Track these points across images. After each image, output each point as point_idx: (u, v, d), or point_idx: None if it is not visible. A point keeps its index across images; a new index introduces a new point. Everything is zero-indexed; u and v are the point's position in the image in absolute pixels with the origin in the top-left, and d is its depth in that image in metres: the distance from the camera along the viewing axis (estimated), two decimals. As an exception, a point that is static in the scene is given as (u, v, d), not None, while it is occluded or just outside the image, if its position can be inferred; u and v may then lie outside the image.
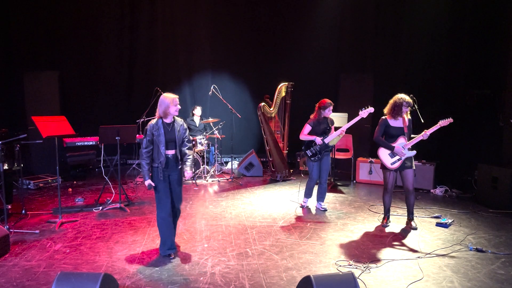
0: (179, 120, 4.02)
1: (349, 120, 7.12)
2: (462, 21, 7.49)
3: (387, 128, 4.67)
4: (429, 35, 7.81)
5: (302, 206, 5.64)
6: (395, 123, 4.64)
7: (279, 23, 8.94)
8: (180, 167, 4.01)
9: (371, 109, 5.10)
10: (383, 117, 4.71)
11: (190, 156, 4.06)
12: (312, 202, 5.74)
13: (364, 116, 5.15)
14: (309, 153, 5.37)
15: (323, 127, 5.33)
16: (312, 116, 5.43)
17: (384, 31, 8.31)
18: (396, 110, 4.58)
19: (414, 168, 4.71)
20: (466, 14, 7.43)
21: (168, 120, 3.90)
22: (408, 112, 4.67)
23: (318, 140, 5.26)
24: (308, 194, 5.62)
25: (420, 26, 7.85)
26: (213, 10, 8.90)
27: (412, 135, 4.70)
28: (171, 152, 3.90)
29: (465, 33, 7.46)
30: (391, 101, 4.65)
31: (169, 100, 3.83)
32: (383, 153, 4.70)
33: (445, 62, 7.73)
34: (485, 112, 6.92)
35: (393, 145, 4.60)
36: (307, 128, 5.37)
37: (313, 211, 5.51)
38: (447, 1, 7.64)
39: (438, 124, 4.51)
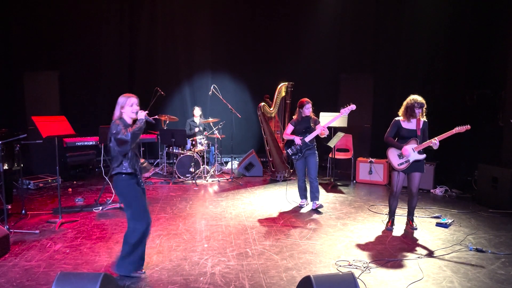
0: None
1: (348, 120, 7.16)
2: (462, 21, 7.49)
3: (399, 129, 4.62)
4: (429, 35, 7.81)
5: (300, 206, 5.68)
6: (408, 125, 4.58)
7: (279, 23, 8.94)
8: None
9: (352, 107, 5.22)
10: (396, 118, 4.65)
11: None
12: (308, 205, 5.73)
13: (345, 114, 5.34)
14: (290, 151, 5.54)
15: (305, 126, 5.49)
16: (294, 117, 5.64)
17: (384, 31, 8.31)
18: (409, 112, 4.52)
19: (424, 172, 4.67)
20: (466, 14, 7.43)
21: (129, 121, 3.54)
22: (424, 114, 4.56)
23: (297, 139, 5.42)
24: (302, 195, 5.73)
25: (420, 26, 7.85)
26: (213, 10, 8.90)
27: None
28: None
29: (465, 33, 7.46)
30: (404, 103, 4.58)
31: (122, 100, 3.54)
32: (392, 153, 4.67)
33: (445, 62, 7.73)
34: (485, 112, 6.92)
35: (403, 147, 4.56)
36: (289, 127, 5.60)
37: (312, 211, 5.50)
38: (447, 1, 7.64)
39: (453, 130, 4.34)
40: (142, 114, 3.48)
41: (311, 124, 5.48)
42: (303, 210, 5.53)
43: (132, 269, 3.47)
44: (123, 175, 3.41)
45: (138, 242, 3.43)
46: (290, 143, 5.55)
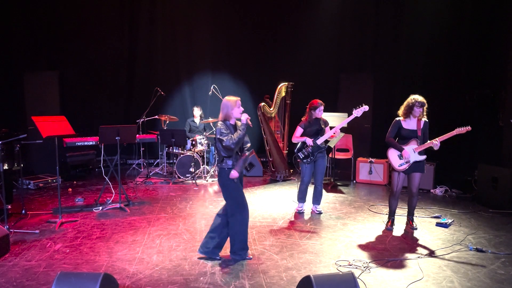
0: (239, 124, 3.93)
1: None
2: (462, 21, 7.49)
3: (400, 129, 4.60)
4: (429, 35, 7.81)
5: (298, 212, 5.46)
6: (408, 125, 4.56)
7: (279, 23, 8.94)
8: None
9: (365, 108, 4.99)
10: (397, 118, 4.63)
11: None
12: (308, 205, 5.64)
13: (359, 115, 5.04)
14: (301, 155, 5.24)
15: (315, 128, 5.22)
16: (303, 118, 5.35)
17: (384, 31, 8.31)
18: (408, 110, 4.51)
19: (424, 172, 4.65)
20: (466, 14, 7.44)
21: (232, 122, 3.88)
22: (425, 114, 4.53)
23: (309, 141, 5.13)
24: (301, 199, 5.46)
25: (420, 26, 7.85)
26: (213, 10, 8.90)
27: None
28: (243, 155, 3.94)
29: (465, 33, 7.47)
30: (405, 102, 4.57)
31: (231, 102, 3.82)
32: (392, 154, 4.65)
33: (445, 62, 7.73)
34: (485, 112, 6.92)
35: (403, 147, 4.55)
36: (299, 130, 5.28)
37: (312, 212, 5.49)
38: (447, 1, 7.65)
39: (454, 131, 4.33)
40: (245, 118, 3.79)
41: (322, 126, 5.26)
42: (306, 207, 5.51)
43: (240, 254, 3.86)
44: (226, 169, 3.79)
45: (241, 228, 3.83)
46: (300, 146, 5.25)
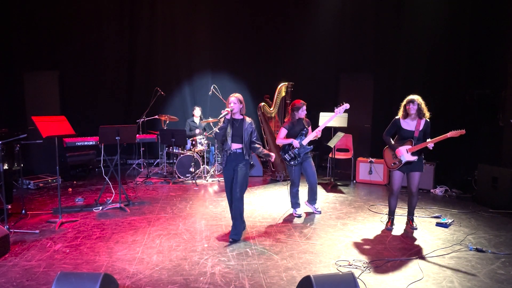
0: (248, 120, 4.40)
1: (348, 120, 7.15)
2: (462, 21, 7.48)
3: (398, 129, 4.60)
4: (429, 35, 7.81)
5: (298, 216, 5.33)
6: (406, 125, 4.54)
7: (279, 23, 8.94)
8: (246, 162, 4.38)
9: (346, 106, 5.03)
10: (396, 117, 4.63)
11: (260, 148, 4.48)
12: (305, 206, 5.59)
13: (340, 114, 5.12)
14: (287, 157, 5.14)
15: (299, 129, 5.15)
16: (286, 119, 5.31)
17: (384, 31, 8.31)
18: (403, 110, 4.52)
19: (423, 171, 4.64)
20: (466, 14, 7.43)
21: (235, 116, 4.35)
22: (425, 113, 4.49)
23: (296, 142, 5.04)
24: (295, 204, 5.33)
25: (420, 26, 7.84)
26: (213, 10, 8.90)
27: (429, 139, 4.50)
28: (236, 146, 4.32)
29: (465, 32, 7.46)
30: None
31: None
32: (388, 152, 4.69)
33: (445, 62, 7.72)
34: (485, 112, 6.91)
35: (397, 146, 4.56)
36: (283, 131, 5.17)
37: (311, 212, 5.49)
38: (447, 1, 7.64)
39: (447, 134, 4.32)
40: (227, 116, 4.25)
41: (306, 126, 5.20)
42: (302, 211, 5.51)
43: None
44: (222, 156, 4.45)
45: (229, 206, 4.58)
46: (286, 148, 5.18)
